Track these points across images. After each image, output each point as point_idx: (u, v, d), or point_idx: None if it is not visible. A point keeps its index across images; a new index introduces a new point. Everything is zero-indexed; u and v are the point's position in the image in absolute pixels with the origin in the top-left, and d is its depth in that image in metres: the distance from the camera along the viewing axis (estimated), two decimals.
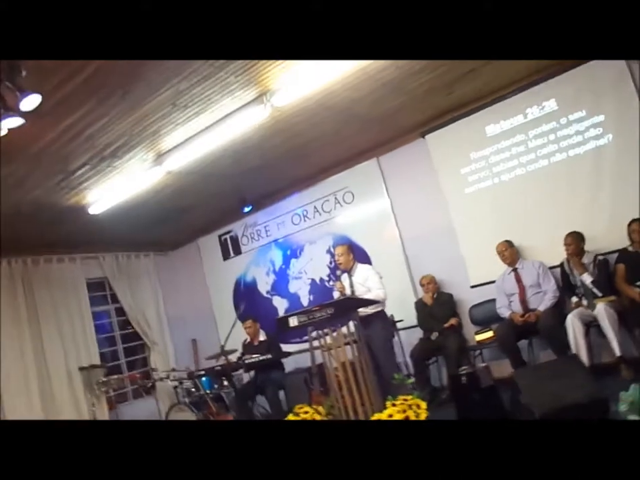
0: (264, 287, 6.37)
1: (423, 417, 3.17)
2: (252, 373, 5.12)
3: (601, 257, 4.03)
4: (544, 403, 2.66)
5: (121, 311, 6.49)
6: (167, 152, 4.20)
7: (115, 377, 5.63)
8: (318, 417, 3.59)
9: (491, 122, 4.78)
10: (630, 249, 3.95)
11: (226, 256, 6.76)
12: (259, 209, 6.21)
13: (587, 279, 3.97)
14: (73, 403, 5.54)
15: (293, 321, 3.59)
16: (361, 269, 4.30)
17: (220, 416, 5.06)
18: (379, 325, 4.12)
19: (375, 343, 3.94)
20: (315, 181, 5.86)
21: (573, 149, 4.41)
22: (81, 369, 5.63)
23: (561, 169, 4.46)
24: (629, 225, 3.94)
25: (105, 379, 5.50)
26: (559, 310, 4.15)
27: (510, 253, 4.40)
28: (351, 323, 3.59)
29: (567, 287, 4.19)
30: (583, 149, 4.38)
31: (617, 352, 3.60)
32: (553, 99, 4.48)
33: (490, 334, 4.46)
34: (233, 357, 4.95)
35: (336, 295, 4.17)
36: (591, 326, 3.88)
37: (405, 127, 5.03)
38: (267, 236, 6.34)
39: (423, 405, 3.25)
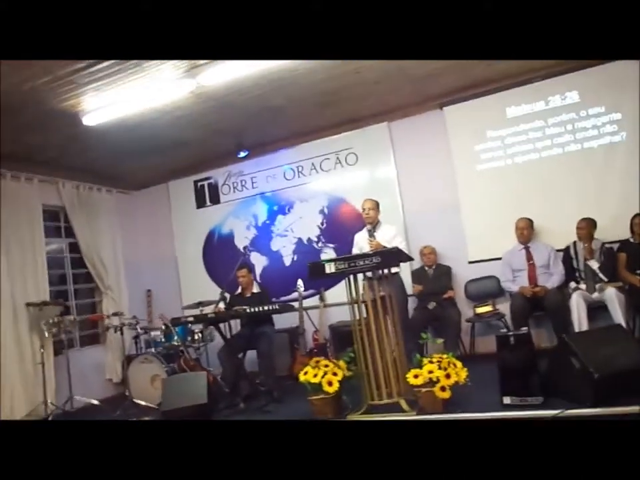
0: (242, 241, 6.00)
1: (462, 376, 3.14)
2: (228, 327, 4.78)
3: (607, 245, 4.26)
4: (600, 366, 2.72)
5: (74, 248, 5.78)
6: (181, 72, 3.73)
7: (72, 317, 4.97)
8: (339, 371, 3.43)
9: (512, 104, 4.85)
10: (631, 240, 4.22)
11: (200, 204, 6.27)
12: (250, 157, 5.82)
13: (594, 264, 4.18)
14: (15, 342, 4.83)
15: (330, 267, 3.37)
16: (385, 228, 4.18)
17: (195, 369, 4.70)
18: (399, 287, 4.04)
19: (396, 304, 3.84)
20: (317, 136, 5.60)
21: (588, 141, 4.62)
22: (30, 305, 4.91)
23: (574, 159, 4.65)
24: (633, 218, 4.21)
25: (57, 319, 4.83)
26: (563, 291, 4.33)
27: (529, 231, 4.52)
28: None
29: (568, 270, 4.38)
30: (597, 142, 4.59)
31: None
32: (576, 91, 4.64)
33: (489, 308, 4.56)
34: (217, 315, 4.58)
35: (366, 248, 3.97)
36: (592, 308, 4.09)
37: (429, 95, 4.95)
38: (253, 188, 5.97)
39: (459, 364, 3.23)
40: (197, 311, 4.60)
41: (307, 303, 5.36)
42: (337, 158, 5.56)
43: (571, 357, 2.86)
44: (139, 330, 5.05)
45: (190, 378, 4.00)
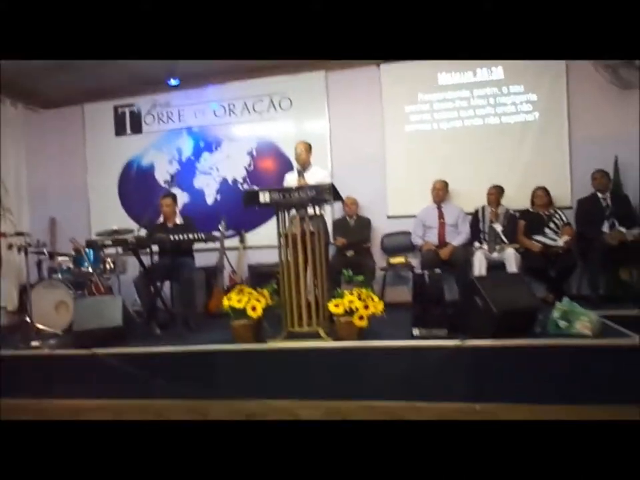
0: (163, 175, 5.78)
1: (379, 308, 3.37)
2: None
3: (511, 212, 4.73)
4: (499, 304, 3.08)
5: None
6: None
7: None
8: (262, 299, 3.52)
9: (444, 70, 5.12)
10: (531, 209, 4.73)
11: (120, 131, 5.92)
12: (180, 89, 5.57)
13: (498, 227, 4.62)
14: None
15: (264, 197, 3.40)
16: (315, 169, 4.26)
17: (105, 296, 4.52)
18: (324, 228, 4.17)
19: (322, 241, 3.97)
20: (252, 76, 5.49)
21: (506, 116, 5.05)
22: None
23: (492, 131, 5.06)
24: (534, 190, 4.72)
25: None
26: (467, 249, 4.75)
27: (443, 192, 4.87)
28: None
29: (474, 231, 4.80)
30: (514, 119, 5.03)
31: None
32: (501, 67, 5.02)
33: (402, 259, 4.88)
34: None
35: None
36: (490, 266, 4.54)
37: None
38: (180, 121, 5.74)
39: (377, 298, 3.46)
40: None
41: (226, 244, 5.34)
42: (271, 101, 5.52)
43: (475, 296, 3.20)
44: (45, 253, 4.71)
45: (105, 301, 3.87)
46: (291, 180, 4.33)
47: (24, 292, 5.25)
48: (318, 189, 3.41)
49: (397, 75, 5.20)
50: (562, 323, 3.13)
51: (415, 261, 4.98)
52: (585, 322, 3.05)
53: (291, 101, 5.48)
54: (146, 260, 4.25)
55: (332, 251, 5.01)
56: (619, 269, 4.44)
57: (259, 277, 4.97)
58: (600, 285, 4.31)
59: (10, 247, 4.51)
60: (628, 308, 3.74)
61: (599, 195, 4.48)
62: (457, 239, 4.72)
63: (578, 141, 4.84)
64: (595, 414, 2.64)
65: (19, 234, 4.74)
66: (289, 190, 3.42)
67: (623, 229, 4.25)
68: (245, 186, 5.59)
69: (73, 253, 4.74)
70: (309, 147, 4.26)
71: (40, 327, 4.32)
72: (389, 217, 5.27)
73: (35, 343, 3.89)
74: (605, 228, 4.33)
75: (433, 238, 4.78)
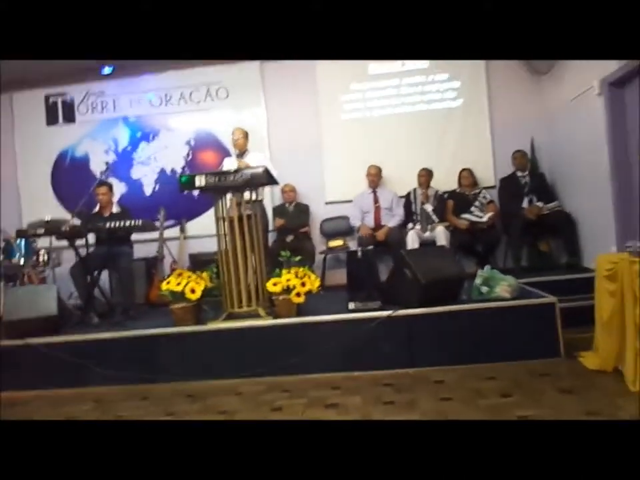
0: (98, 165, 5.67)
1: (316, 285, 3.51)
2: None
3: (440, 193, 5.00)
4: (426, 275, 3.29)
5: None
6: None
7: None
8: (201, 281, 3.57)
9: (374, 61, 5.33)
10: (458, 190, 5.03)
11: (52, 121, 5.75)
12: (113, 77, 5.48)
13: (429, 207, 4.89)
14: None
15: (200, 180, 3.46)
16: (253, 155, 4.35)
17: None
18: (262, 212, 4.27)
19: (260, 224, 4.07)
20: (187, 65, 5.48)
21: (433, 103, 5.33)
22: None
23: (421, 117, 5.33)
24: (460, 172, 5.03)
25: None
26: (401, 230, 4.98)
27: (378, 177, 5.09)
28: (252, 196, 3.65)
29: (407, 213, 5.05)
30: (440, 105, 5.33)
31: None
32: None
33: (340, 242, 5.06)
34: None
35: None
36: (423, 244, 4.80)
37: None
38: (115, 111, 5.65)
39: (313, 276, 3.60)
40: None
41: (167, 234, 5.33)
42: (208, 90, 5.54)
43: (405, 268, 3.40)
44: None
45: (39, 289, 3.78)
46: (228, 164, 4.39)
47: None
48: (253, 172, 3.50)
49: (330, 65, 5.35)
50: (484, 289, 3.38)
51: (352, 244, 5.16)
52: (504, 286, 3.32)
53: (227, 90, 5.53)
54: (82, 251, 4.19)
55: (272, 237, 5.13)
56: (538, 241, 4.81)
57: (200, 264, 4.96)
58: (522, 257, 4.67)
59: None
60: (547, 276, 4.09)
61: (519, 173, 4.83)
62: (391, 220, 4.95)
63: (498, 124, 5.20)
64: (516, 370, 2.91)
65: None
66: (225, 173, 3.48)
67: (540, 204, 4.61)
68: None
69: (2, 243, 4.58)
70: (245, 134, 4.35)
71: None
72: (326, 203, 5.44)
73: None
74: (525, 204, 4.67)
75: (369, 222, 4.99)
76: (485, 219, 4.71)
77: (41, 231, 4.00)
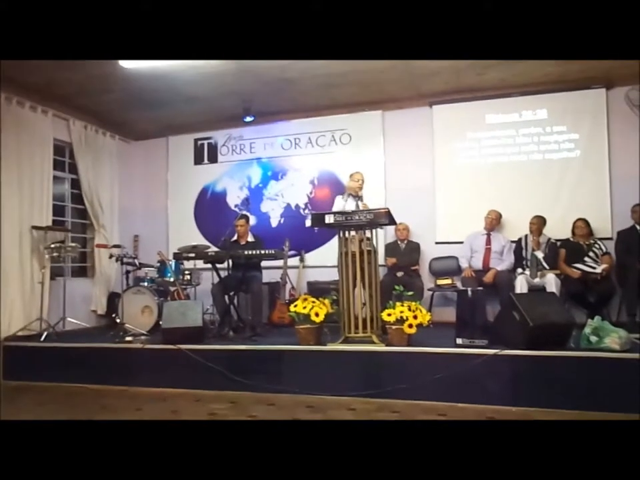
0: (234, 200, 6.52)
1: (426, 318, 3.82)
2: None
3: (552, 240, 5.09)
4: (535, 319, 3.47)
5: (75, 184, 6.12)
6: None
7: (74, 244, 5.34)
8: (324, 307, 4.05)
9: (491, 112, 5.63)
10: (571, 239, 5.07)
11: (198, 161, 6.74)
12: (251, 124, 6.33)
13: (539, 254, 4.99)
14: (18, 262, 5.14)
15: (329, 218, 3.98)
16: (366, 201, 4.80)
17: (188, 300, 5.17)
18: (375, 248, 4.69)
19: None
20: (317, 114, 6.18)
21: (549, 153, 5.46)
22: (35, 228, 5.25)
23: (536, 166, 5.48)
24: (575, 222, 5.06)
25: (59, 244, 5.19)
26: (511, 275, 5.12)
27: (497, 221, 5.35)
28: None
29: (517, 258, 5.18)
30: (557, 156, 5.44)
31: None
32: (545, 110, 5.46)
33: (449, 280, 5.32)
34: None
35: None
36: (531, 289, 4.89)
37: (422, 92, 5.64)
38: (251, 152, 6.50)
39: (424, 310, 3.92)
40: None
41: (288, 263, 5.95)
42: (332, 136, 6.18)
43: (513, 311, 3.60)
44: (137, 263, 5.48)
45: (189, 304, 4.52)
46: (338, 203, 4.75)
47: (111, 298, 6.06)
48: (376, 213, 3.96)
49: (447, 115, 5.74)
50: (593, 338, 3.47)
51: (460, 284, 5.38)
52: (614, 337, 3.39)
53: (350, 136, 6.12)
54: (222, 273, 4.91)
55: (383, 271, 5.52)
56: None
57: (316, 292, 5.50)
58: (637, 311, 4.58)
59: (110, 256, 5.30)
60: None
61: (638, 227, 4.78)
62: (500, 265, 5.11)
63: (618, 176, 5.18)
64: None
65: (116, 246, 5.56)
66: (351, 213, 3.98)
67: None
68: (306, 211, 6.21)
69: (157, 264, 5.46)
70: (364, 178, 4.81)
71: (128, 326, 5.02)
72: (436, 243, 5.73)
73: (129, 338, 4.59)
74: None
75: (477, 262, 5.20)
76: (599, 269, 4.71)
77: (192, 254, 4.78)
